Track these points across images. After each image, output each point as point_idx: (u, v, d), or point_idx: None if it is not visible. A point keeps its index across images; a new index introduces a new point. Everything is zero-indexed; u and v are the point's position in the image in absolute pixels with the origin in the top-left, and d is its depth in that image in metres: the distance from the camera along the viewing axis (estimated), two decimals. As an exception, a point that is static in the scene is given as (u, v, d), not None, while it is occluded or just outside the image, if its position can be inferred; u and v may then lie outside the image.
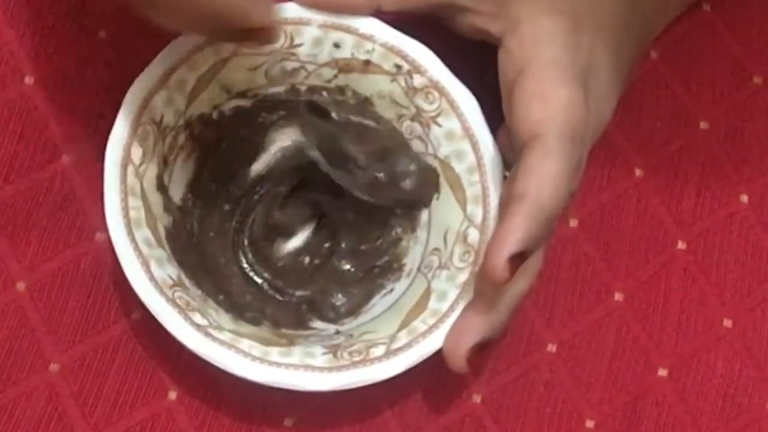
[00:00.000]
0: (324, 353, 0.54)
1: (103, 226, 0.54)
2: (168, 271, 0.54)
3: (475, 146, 0.57)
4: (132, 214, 0.54)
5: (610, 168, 0.63)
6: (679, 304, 0.62)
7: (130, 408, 0.57)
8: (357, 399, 0.57)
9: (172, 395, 0.58)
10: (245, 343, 0.54)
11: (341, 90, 0.59)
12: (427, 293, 0.57)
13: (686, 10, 0.65)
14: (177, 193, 0.58)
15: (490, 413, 0.59)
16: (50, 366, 0.57)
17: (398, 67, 0.58)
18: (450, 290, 0.56)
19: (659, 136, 0.64)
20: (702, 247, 0.63)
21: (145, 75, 0.55)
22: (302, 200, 0.61)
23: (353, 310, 0.59)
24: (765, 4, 0.67)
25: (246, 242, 0.60)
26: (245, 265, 0.59)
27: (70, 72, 0.60)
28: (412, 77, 0.58)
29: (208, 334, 0.53)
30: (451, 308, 0.55)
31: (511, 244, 0.52)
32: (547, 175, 0.52)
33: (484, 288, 0.54)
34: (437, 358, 0.55)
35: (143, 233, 0.54)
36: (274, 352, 0.54)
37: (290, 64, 0.58)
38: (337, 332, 0.57)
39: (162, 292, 0.53)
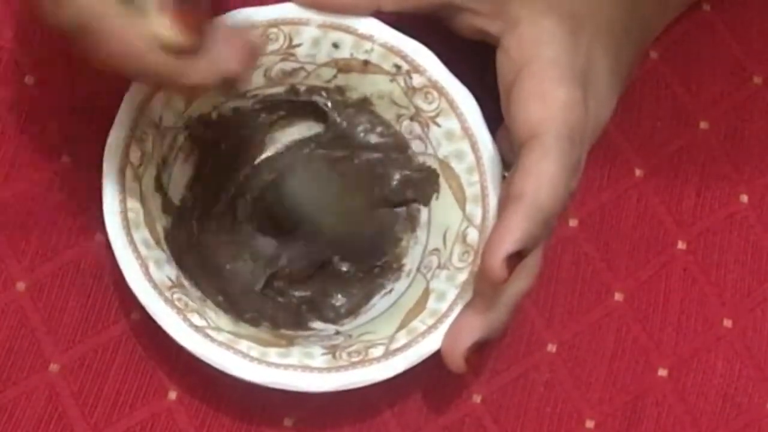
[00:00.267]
0: (323, 354, 0.54)
1: (103, 227, 0.54)
2: (167, 272, 0.54)
3: (474, 146, 0.57)
4: (131, 215, 0.54)
5: (610, 168, 0.63)
6: (679, 304, 0.62)
7: (130, 408, 0.57)
8: (357, 399, 0.57)
9: (172, 395, 0.58)
10: (244, 344, 0.54)
11: (341, 90, 0.59)
12: (426, 293, 0.57)
13: (686, 10, 0.65)
14: (176, 194, 0.58)
15: (490, 413, 0.59)
16: (50, 366, 0.57)
17: (397, 67, 0.58)
18: (449, 290, 0.56)
19: (659, 136, 0.64)
20: (702, 247, 0.63)
21: (145, 75, 0.55)
22: None
23: (353, 311, 0.59)
24: (765, 4, 0.67)
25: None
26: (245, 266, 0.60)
27: (70, 72, 0.60)
28: (411, 77, 0.58)
29: (206, 335, 0.53)
30: (450, 308, 0.55)
31: (508, 243, 0.52)
32: (545, 174, 0.52)
33: (482, 287, 0.54)
34: (437, 358, 0.55)
35: (142, 234, 0.54)
36: (273, 353, 0.54)
37: (289, 65, 0.58)
38: (337, 333, 0.57)
39: (161, 293, 0.53)
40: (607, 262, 0.62)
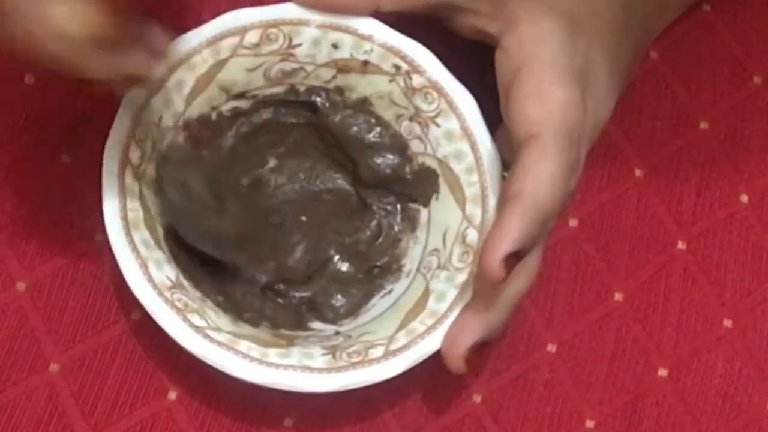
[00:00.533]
0: (323, 354, 0.54)
1: (103, 227, 0.54)
2: (166, 272, 0.54)
3: (474, 146, 0.57)
4: (130, 215, 0.54)
5: (610, 168, 0.63)
6: (679, 304, 0.62)
7: (130, 408, 0.57)
8: (357, 399, 0.57)
9: (172, 395, 0.58)
10: (244, 345, 0.54)
11: (340, 90, 0.59)
12: (425, 294, 0.57)
13: (686, 10, 0.65)
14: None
15: (490, 413, 0.59)
16: (50, 366, 0.57)
17: (397, 67, 0.58)
18: (449, 291, 0.56)
19: (659, 136, 0.64)
20: (702, 247, 0.63)
21: (144, 76, 0.55)
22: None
23: (353, 311, 0.59)
24: (765, 4, 0.67)
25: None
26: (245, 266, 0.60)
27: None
28: (410, 77, 0.58)
29: (206, 336, 0.53)
30: (450, 309, 0.55)
31: (506, 243, 0.52)
32: (543, 174, 0.52)
33: (481, 288, 0.54)
34: (437, 358, 0.55)
35: (141, 234, 0.54)
36: (273, 354, 0.54)
37: (289, 65, 0.58)
38: (337, 333, 0.57)
39: (160, 293, 0.53)
40: (607, 262, 0.62)
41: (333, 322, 0.58)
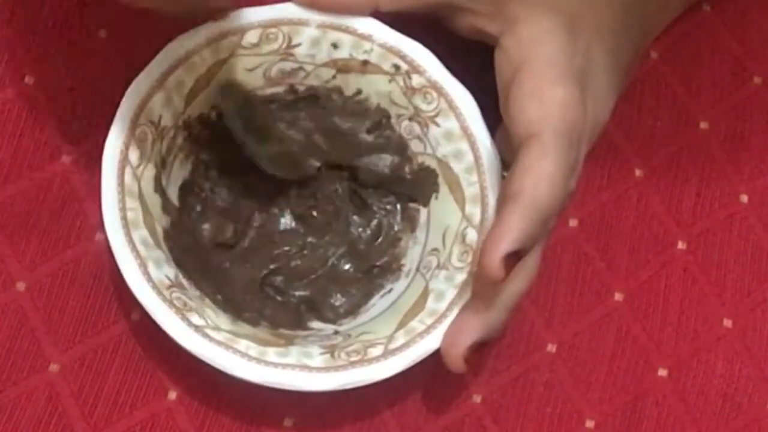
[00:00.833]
0: (321, 353, 0.55)
1: (103, 227, 0.54)
2: (166, 271, 0.54)
3: (473, 146, 0.57)
4: (129, 215, 0.54)
5: (610, 168, 0.63)
6: (679, 304, 0.62)
7: (130, 408, 0.57)
8: (356, 399, 0.57)
9: (172, 395, 0.58)
10: (242, 344, 0.54)
11: (339, 90, 0.59)
12: (425, 293, 0.57)
13: (686, 10, 0.65)
14: (175, 193, 0.58)
15: (490, 413, 0.59)
16: (50, 366, 0.57)
17: (396, 67, 0.58)
18: (448, 290, 0.56)
19: (659, 136, 0.64)
20: (702, 247, 0.63)
21: (143, 76, 0.55)
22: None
23: (352, 310, 0.59)
24: (765, 4, 0.67)
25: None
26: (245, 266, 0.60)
27: (70, 72, 0.61)
28: (410, 77, 0.58)
29: (205, 335, 0.53)
30: (449, 308, 0.55)
31: (506, 242, 0.52)
32: (543, 173, 0.52)
33: (481, 287, 0.54)
34: (436, 357, 0.55)
35: (141, 234, 0.54)
36: (272, 353, 0.54)
37: (288, 65, 0.58)
38: (336, 332, 0.57)
39: (159, 292, 0.53)
40: (607, 262, 0.62)
41: (332, 321, 0.58)
